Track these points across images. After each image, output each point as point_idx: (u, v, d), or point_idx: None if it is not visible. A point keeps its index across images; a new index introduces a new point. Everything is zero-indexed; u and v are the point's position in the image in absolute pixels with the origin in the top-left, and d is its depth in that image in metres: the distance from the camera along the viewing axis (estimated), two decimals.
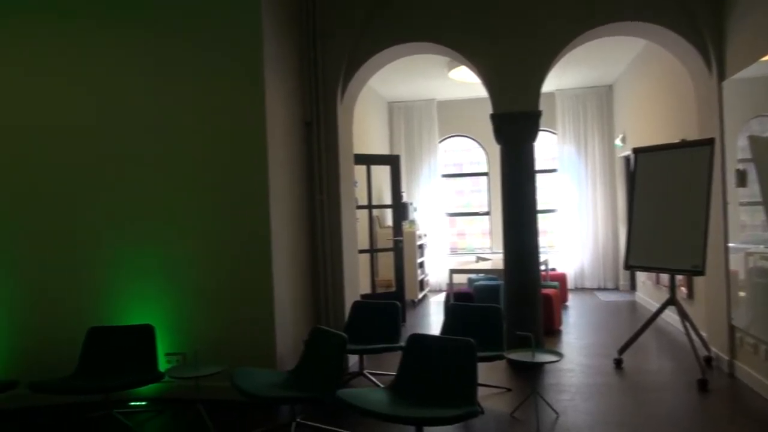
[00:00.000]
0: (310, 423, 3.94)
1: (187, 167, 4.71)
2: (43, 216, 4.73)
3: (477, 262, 8.99)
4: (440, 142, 10.70)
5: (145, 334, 4.41)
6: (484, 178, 10.80)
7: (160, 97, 4.73)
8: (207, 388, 4.40)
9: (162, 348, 4.60)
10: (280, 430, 3.98)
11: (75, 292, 4.73)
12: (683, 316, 5.07)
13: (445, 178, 10.83)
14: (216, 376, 4.07)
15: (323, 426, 3.90)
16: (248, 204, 4.63)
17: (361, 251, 6.59)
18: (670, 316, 6.58)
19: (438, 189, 10.59)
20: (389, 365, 5.31)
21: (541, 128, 5.51)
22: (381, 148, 10.15)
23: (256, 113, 4.60)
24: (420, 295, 9.24)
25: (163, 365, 4.56)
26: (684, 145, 5.30)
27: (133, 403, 4.62)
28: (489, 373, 5.04)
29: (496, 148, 5.93)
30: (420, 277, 9.26)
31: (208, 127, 4.68)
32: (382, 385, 4.66)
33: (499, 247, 7.91)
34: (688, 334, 4.94)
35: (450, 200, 10.96)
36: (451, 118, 10.66)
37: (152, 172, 4.75)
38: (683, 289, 6.45)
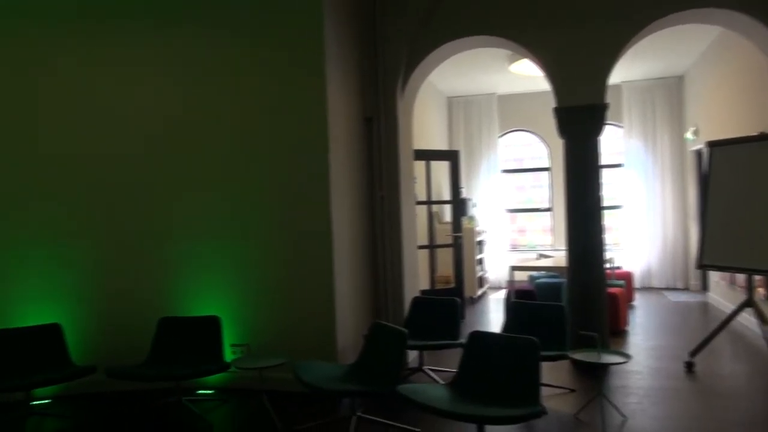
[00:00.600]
0: (370, 417, 3.97)
1: (251, 164, 4.83)
2: (123, 214, 4.95)
3: (538, 259, 8.80)
4: (500, 136, 10.53)
5: (212, 325, 4.55)
6: (546, 173, 10.55)
7: (224, 96, 4.86)
8: (270, 379, 4.51)
9: (228, 339, 4.74)
10: (340, 422, 4.03)
11: (148, 284, 4.94)
12: (761, 318, 4.79)
13: (505, 174, 10.66)
14: (279, 368, 4.16)
15: (383, 420, 3.92)
16: (310, 200, 4.70)
17: (420, 247, 6.57)
18: (747, 318, 6.24)
19: (498, 185, 10.43)
20: (448, 362, 5.28)
21: (607, 122, 5.33)
22: (440, 144, 10.09)
23: (318, 109, 4.66)
24: (479, 292, 9.13)
25: (228, 356, 4.70)
26: (762, 138, 5.00)
27: (200, 392, 4.80)
28: (552, 373, 4.93)
29: (558, 143, 5.78)
30: (479, 274, 9.16)
31: (271, 124, 4.79)
32: (442, 382, 4.65)
33: (562, 244, 7.71)
34: (766, 338, 4.67)
35: (510, 196, 10.78)
36: (511, 112, 10.47)
37: (219, 170, 4.90)
38: (761, 290, 6.10)
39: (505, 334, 4.41)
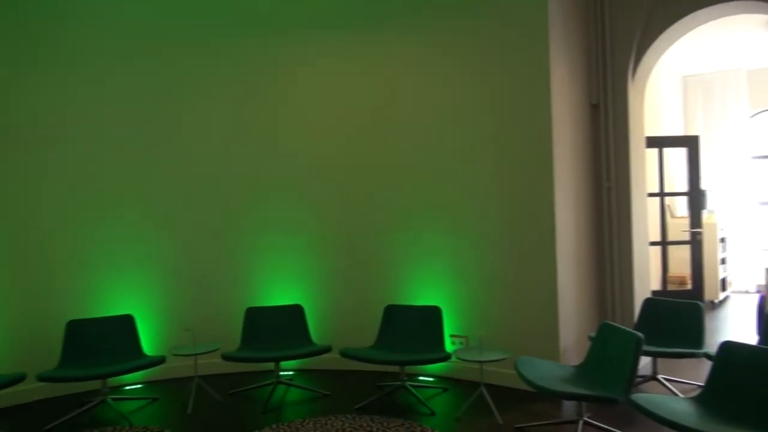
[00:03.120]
0: (597, 423, 3.71)
1: (471, 152, 4.85)
2: (338, 206, 5.38)
3: None
4: (751, 117, 9.09)
5: (434, 315, 4.68)
6: None
7: (439, 87, 4.95)
8: (489, 372, 4.50)
9: (447, 329, 4.84)
10: (565, 425, 3.85)
11: (374, 272, 5.29)
12: None
13: (757, 160, 9.18)
14: (498, 362, 4.12)
15: (612, 428, 3.64)
16: (531, 191, 4.56)
17: (652, 243, 5.97)
18: None
19: (747, 173, 9.02)
20: (683, 372, 4.75)
21: None
22: (673, 129, 9.06)
23: (541, 95, 4.49)
24: (721, 296, 8.02)
25: (448, 346, 4.80)
26: None
27: (422, 378, 4.98)
28: None
29: None
30: (722, 276, 8.04)
31: (491, 110, 4.74)
32: (681, 394, 4.17)
33: None
34: None
35: (763, 186, 9.25)
36: (765, 89, 8.97)
37: (433, 161, 5.01)
38: None
39: (763, 347, 3.78)
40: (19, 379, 4.01)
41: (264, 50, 5.39)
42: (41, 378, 4.04)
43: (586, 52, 5.06)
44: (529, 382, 3.51)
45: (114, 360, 4.53)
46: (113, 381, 4.93)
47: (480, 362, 4.06)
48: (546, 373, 3.73)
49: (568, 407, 4.15)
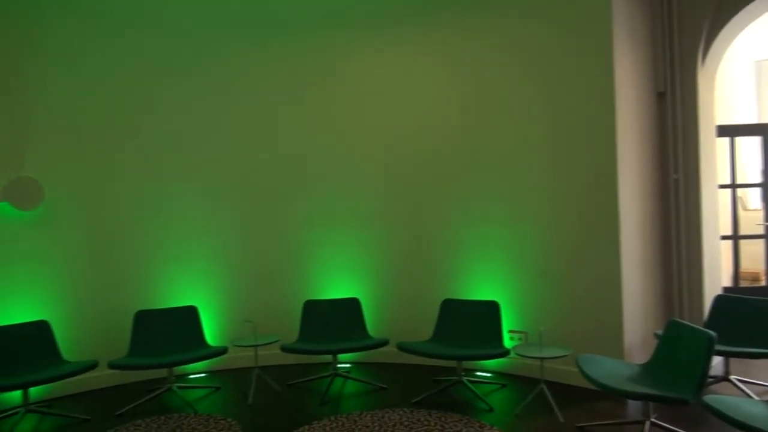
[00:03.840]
0: (665, 425, 3.57)
1: (530, 145, 4.74)
2: (406, 200, 5.36)
3: None
4: None
5: (492, 309, 4.61)
6: None
7: (504, 69, 4.85)
8: (549, 369, 4.40)
9: (506, 325, 4.76)
10: (630, 426, 3.72)
11: (429, 265, 5.27)
12: None
13: None
14: (559, 359, 4.03)
15: (680, 430, 3.49)
16: (595, 182, 4.42)
17: (722, 238, 5.68)
18: None
19: None
20: (757, 373, 4.51)
21: None
22: (746, 116, 8.57)
23: (605, 84, 4.34)
24: None
25: (507, 342, 4.72)
26: None
27: (479, 374, 4.92)
28: None
29: None
30: None
31: (551, 101, 4.62)
32: (756, 397, 3.96)
33: None
34: None
35: None
36: None
37: (500, 151, 4.92)
38: None
39: None
40: (92, 366, 4.21)
41: (329, 42, 5.44)
42: (112, 365, 4.23)
43: (652, 38, 4.84)
44: (592, 380, 3.41)
45: (179, 349, 4.69)
46: (178, 369, 5.11)
47: (540, 359, 3.97)
48: (610, 371, 3.61)
49: (634, 407, 4.01)
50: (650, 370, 3.66)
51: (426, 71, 5.27)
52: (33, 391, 4.36)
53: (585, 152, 4.46)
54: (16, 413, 4.17)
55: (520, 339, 4.79)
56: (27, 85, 4.64)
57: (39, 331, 4.44)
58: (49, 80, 4.73)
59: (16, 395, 4.36)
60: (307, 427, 3.79)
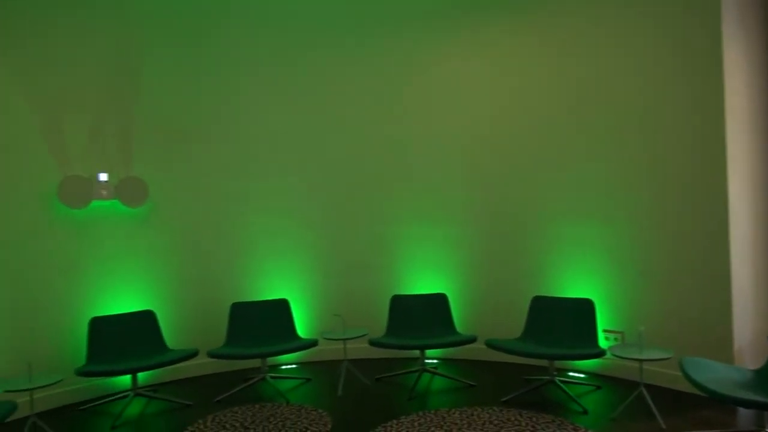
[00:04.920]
0: None
1: (628, 135, 4.51)
2: (496, 195, 5.26)
3: None
4: None
5: (585, 308, 4.42)
6: None
7: (599, 60, 4.64)
8: (649, 372, 4.18)
9: (600, 324, 4.56)
10: None
11: (521, 263, 5.13)
12: None
13: None
14: (660, 361, 3.81)
15: None
16: (701, 174, 4.13)
17: None
18: None
19: None
20: None
21: None
22: None
23: (711, 65, 4.04)
24: None
25: (602, 342, 4.53)
26: None
27: (571, 374, 4.75)
28: None
29: None
30: None
31: (648, 92, 4.36)
32: None
33: None
34: None
35: None
36: None
37: (595, 144, 4.72)
38: None
39: None
40: (193, 354, 4.44)
41: (410, 38, 5.44)
42: (211, 354, 4.44)
43: (764, 7, 4.45)
44: (699, 386, 3.18)
45: (272, 341, 4.85)
46: (271, 360, 5.30)
47: (640, 360, 3.76)
48: (718, 376, 3.36)
49: (745, 416, 3.72)
50: (765, 375, 3.38)
51: (516, 62, 5.13)
52: (140, 376, 4.68)
53: (690, 141, 4.17)
54: (126, 396, 4.47)
55: (615, 339, 4.58)
56: (131, 92, 4.95)
57: (145, 319, 4.75)
58: (150, 86, 5.02)
59: (125, 379, 4.69)
60: (395, 421, 3.81)
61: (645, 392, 3.82)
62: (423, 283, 5.42)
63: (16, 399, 4.00)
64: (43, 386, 3.72)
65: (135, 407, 4.38)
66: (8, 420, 3.64)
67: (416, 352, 4.87)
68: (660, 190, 4.34)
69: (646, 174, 4.41)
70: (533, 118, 5.04)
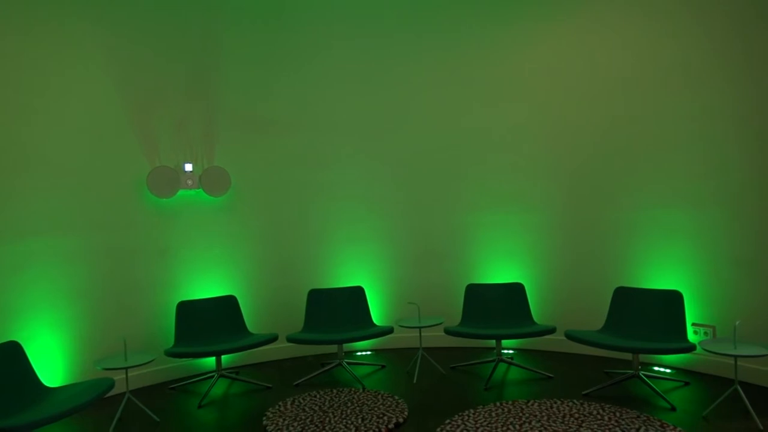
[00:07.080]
0: None
1: (719, 120, 4.24)
2: (578, 183, 5.10)
3: None
4: None
5: (673, 299, 4.20)
6: None
7: (682, 42, 4.38)
8: (743, 369, 3.94)
9: (689, 317, 4.34)
10: None
11: (603, 252, 4.94)
12: None
13: None
14: (757, 358, 3.57)
15: None
16: None
17: None
18: None
19: None
20: None
21: None
22: None
23: None
24: None
25: (690, 336, 4.31)
26: None
27: (657, 369, 4.55)
28: None
29: None
30: None
31: (733, 73, 4.07)
32: None
33: None
34: None
35: None
36: None
37: (682, 125, 4.47)
38: None
39: None
40: (273, 338, 4.58)
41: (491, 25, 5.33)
42: (290, 339, 4.56)
43: None
44: None
45: (348, 327, 4.92)
46: (347, 346, 5.39)
47: (734, 356, 3.54)
48: None
49: None
50: None
51: (605, 44, 4.92)
52: (223, 358, 4.88)
53: None
54: (211, 377, 4.68)
55: (705, 333, 4.34)
56: (213, 86, 5.13)
57: (228, 304, 4.94)
58: (231, 79, 5.18)
59: (209, 361, 4.90)
60: (472, 411, 3.78)
61: (740, 390, 3.60)
62: (499, 272, 5.33)
63: (114, 377, 4.26)
64: (138, 365, 3.94)
65: (219, 388, 4.57)
66: (106, 396, 3.89)
67: (492, 342, 4.80)
68: (757, 173, 4.05)
69: (742, 157, 4.12)
70: (618, 106, 4.81)
